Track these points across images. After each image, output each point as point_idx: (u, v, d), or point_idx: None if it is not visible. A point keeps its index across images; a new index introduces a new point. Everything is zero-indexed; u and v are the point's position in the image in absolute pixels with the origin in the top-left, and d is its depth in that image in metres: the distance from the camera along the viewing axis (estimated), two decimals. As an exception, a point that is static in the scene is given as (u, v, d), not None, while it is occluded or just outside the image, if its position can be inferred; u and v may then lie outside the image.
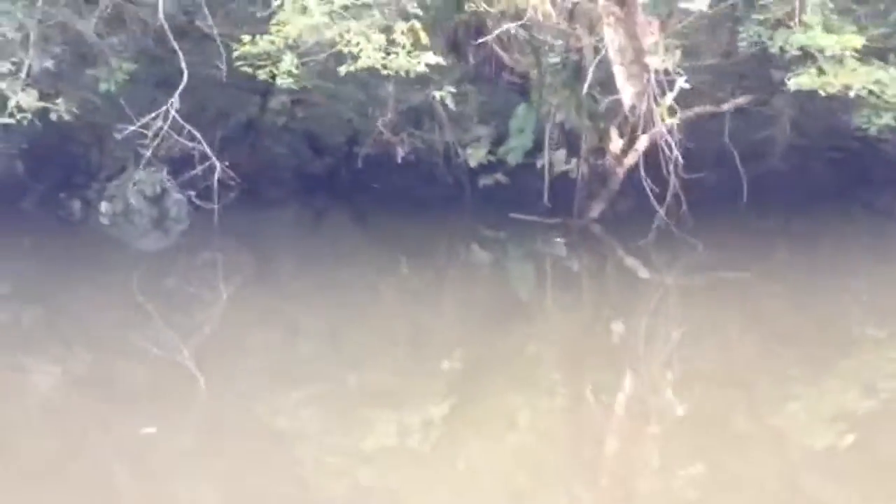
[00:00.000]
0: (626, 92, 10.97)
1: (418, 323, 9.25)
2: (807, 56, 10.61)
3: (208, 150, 11.48)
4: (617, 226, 12.63)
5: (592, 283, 11.93)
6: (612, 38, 10.78)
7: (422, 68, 10.88)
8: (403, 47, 10.72)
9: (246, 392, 6.67)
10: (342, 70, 10.82)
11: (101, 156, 12.74)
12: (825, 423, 6.33)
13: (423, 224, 13.66)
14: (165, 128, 11.12)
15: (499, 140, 13.55)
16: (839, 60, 10.41)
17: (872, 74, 10.42)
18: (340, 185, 14.85)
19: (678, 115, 10.79)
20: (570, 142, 12.90)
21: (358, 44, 10.55)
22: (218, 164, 11.61)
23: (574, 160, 12.34)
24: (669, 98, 10.65)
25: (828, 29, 10.49)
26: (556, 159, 12.76)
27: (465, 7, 12.09)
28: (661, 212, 11.47)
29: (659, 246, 12.04)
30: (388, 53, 10.72)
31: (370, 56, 10.57)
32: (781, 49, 10.66)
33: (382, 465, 5.46)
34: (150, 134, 11.21)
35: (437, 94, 11.69)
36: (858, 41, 10.45)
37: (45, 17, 11.02)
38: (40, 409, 6.59)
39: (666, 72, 10.97)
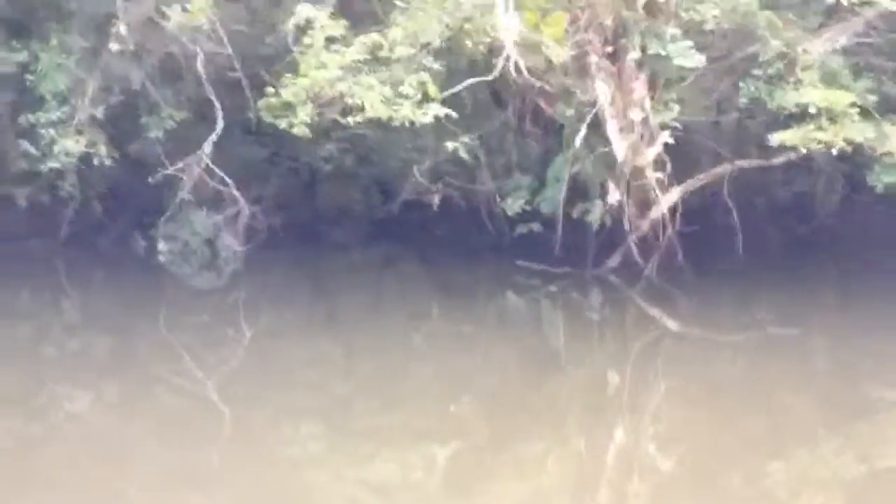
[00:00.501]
0: (619, 145, 11.02)
1: (447, 369, 9.54)
2: (805, 113, 10.31)
3: (237, 194, 12.29)
4: (635, 276, 12.57)
5: (618, 332, 11.99)
6: (605, 92, 10.87)
7: (428, 119, 11.31)
8: (408, 99, 11.18)
9: (283, 428, 7.30)
10: (350, 121, 11.38)
11: (167, 197, 13.80)
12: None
13: (463, 270, 13.99)
14: (199, 171, 12.00)
15: (540, 189, 13.65)
16: (831, 117, 10.06)
17: (864, 131, 9.96)
18: (390, 230, 15.38)
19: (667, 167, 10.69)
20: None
21: (364, 97, 11.10)
22: (247, 209, 12.41)
23: (597, 210, 12.32)
24: (652, 153, 10.64)
25: (828, 84, 10.17)
26: (584, 209, 12.76)
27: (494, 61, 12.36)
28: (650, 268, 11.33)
29: (684, 296, 12.25)
30: (395, 105, 11.22)
31: (373, 108, 11.09)
32: (778, 106, 10.42)
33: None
34: (184, 178, 12.12)
35: (451, 145, 11.99)
36: (847, 98, 10.11)
37: (104, 71, 12.29)
38: (91, 429, 7.51)
39: (663, 126, 10.92)
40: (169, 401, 8.50)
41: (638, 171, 11.22)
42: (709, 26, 10.78)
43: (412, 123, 11.45)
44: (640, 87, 10.91)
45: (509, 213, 13.58)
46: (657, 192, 11.35)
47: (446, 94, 11.66)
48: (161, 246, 13.92)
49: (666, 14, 10.84)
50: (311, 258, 14.80)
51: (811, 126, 10.36)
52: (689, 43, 10.91)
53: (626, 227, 12.31)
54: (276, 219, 14.69)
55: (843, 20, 10.75)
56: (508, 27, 10.44)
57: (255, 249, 14.28)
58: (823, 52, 10.46)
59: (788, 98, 10.54)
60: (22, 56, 11.69)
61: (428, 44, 11.47)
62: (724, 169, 12.81)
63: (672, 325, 11.87)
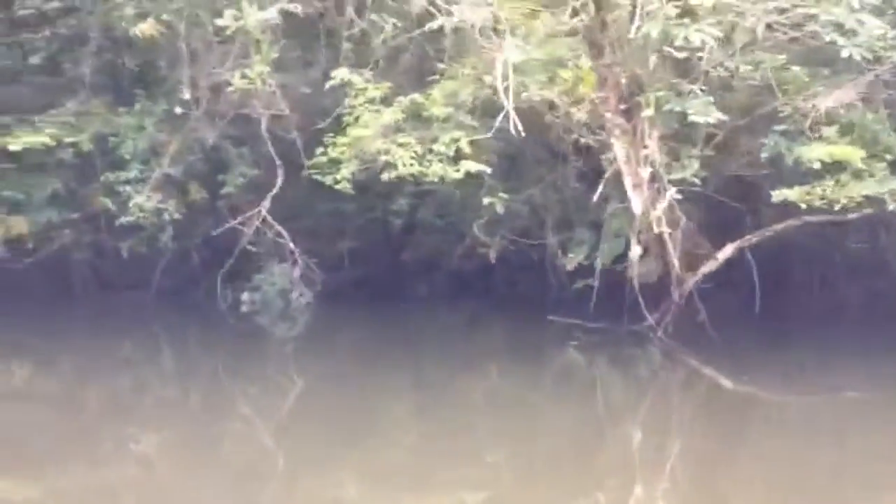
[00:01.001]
0: (635, 200, 11.01)
1: (502, 426, 9.59)
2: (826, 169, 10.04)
3: (292, 245, 13.10)
4: (684, 332, 12.41)
5: (673, 390, 12.03)
6: (619, 148, 10.94)
7: (459, 175, 11.74)
8: (438, 156, 11.68)
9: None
10: (384, 177, 11.99)
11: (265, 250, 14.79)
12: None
13: (523, 324, 14.14)
14: (257, 224, 12.96)
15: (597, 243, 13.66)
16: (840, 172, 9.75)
17: (865, 188, 9.55)
18: (471, 283, 15.73)
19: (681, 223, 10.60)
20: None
21: (396, 154, 11.72)
22: (300, 261, 13.19)
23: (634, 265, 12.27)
24: (660, 209, 10.59)
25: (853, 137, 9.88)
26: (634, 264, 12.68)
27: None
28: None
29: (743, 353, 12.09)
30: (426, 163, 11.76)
31: (405, 165, 11.66)
32: (795, 161, 10.19)
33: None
34: (247, 231, 13.10)
35: (487, 200, 12.33)
36: (856, 154, 9.71)
37: (182, 132, 13.54)
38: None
39: (682, 182, 10.87)
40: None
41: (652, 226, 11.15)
42: (735, 83, 10.67)
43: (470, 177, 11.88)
44: (651, 144, 10.89)
45: (569, 267, 13.65)
46: (670, 248, 11.16)
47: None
48: (244, 297, 14.87)
49: (688, 70, 10.83)
50: (388, 311, 15.38)
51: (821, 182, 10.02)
52: (710, 99, 10.80)
53: (672, 282, 12.15)
54: (354, 271, 15.47)
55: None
56: (506, 89, 10.69)
57: (330, 301, 15.07)
58: (842, 106, 10.08)
59: (803, 153, 10.32)
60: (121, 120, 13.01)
61: (464, 102, 11.90)
62: (793, 222, 12.36)
63: (727, 383, 11.63)
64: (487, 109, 12.10)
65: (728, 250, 12.26)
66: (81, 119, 13.40)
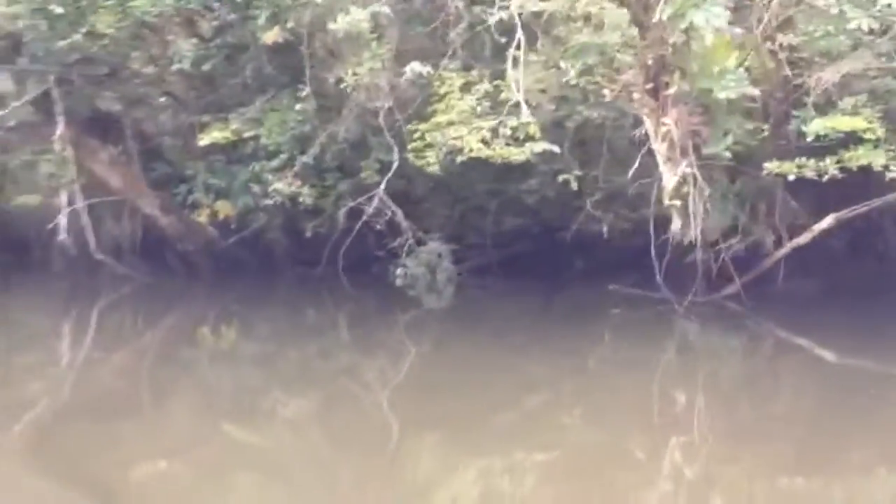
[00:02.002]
0: (666, 175, 11.15)
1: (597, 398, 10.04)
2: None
3: (404, 223, 14.65)
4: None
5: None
6: (649, 125, 11.16)
7: (523, 157, 12.65)
8: (503, 138, 12.69)
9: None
10: (458, 160, 13.15)
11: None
12: None
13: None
14: (373, 205, 14.70)
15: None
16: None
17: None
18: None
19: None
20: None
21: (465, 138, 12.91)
22: (411, 236, 14.69)
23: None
24: (672, 182, 10.69)
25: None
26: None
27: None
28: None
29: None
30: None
31: (472, 148, 12.79)
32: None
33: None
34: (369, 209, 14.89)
35: (561, 178, 13.00)
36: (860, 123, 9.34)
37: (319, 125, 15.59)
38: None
39: (716, 156, 10.98)
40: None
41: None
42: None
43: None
44: (675, 121, 11.02)
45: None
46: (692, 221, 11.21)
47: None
48: (398, 272, 16.65)
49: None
50: (530, 287, 16.36)
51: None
52: (741, 73, 10.71)
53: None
54: (502, 249, 16.65)
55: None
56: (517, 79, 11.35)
57: (479, 276, 16.39)
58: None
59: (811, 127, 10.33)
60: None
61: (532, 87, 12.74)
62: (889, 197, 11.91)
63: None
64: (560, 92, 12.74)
65: (825, 222, 12.09)
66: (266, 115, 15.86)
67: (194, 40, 16.41)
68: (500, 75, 13.31)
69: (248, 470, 7.34)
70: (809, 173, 10.68)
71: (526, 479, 7.16)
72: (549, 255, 16.99)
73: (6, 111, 16.83)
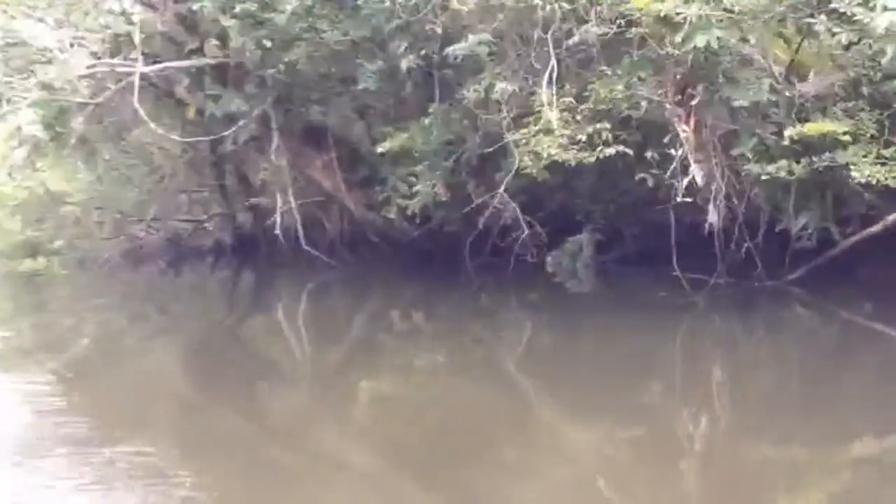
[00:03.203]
0: (698, 174, 12.51)
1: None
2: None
3: (521, 220, 16.84)
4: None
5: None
6: (680, 131, 12.61)
7: (592, 159, 14.57)
8: (578, 144, 14.66)
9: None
10: (541, 165, 15.21)
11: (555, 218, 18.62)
12: None
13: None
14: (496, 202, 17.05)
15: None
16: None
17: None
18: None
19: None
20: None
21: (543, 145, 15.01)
22: (526, 230, 16.85)
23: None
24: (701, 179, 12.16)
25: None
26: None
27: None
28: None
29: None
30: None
31: (550, 154, 14.86)
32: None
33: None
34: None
35: (638, 177, 14.74)
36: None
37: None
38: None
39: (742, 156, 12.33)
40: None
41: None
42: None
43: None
44: (699, 126, 12.29)
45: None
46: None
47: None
48: (548, 259, 18.82)
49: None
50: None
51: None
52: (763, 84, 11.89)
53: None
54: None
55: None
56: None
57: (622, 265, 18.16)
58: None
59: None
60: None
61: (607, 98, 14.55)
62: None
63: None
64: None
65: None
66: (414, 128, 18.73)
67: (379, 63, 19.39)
68: (584, 88, 15.08)
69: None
70: (782, 174, 11.65)
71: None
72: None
73: (237, 127, 20.96)
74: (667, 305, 15.15)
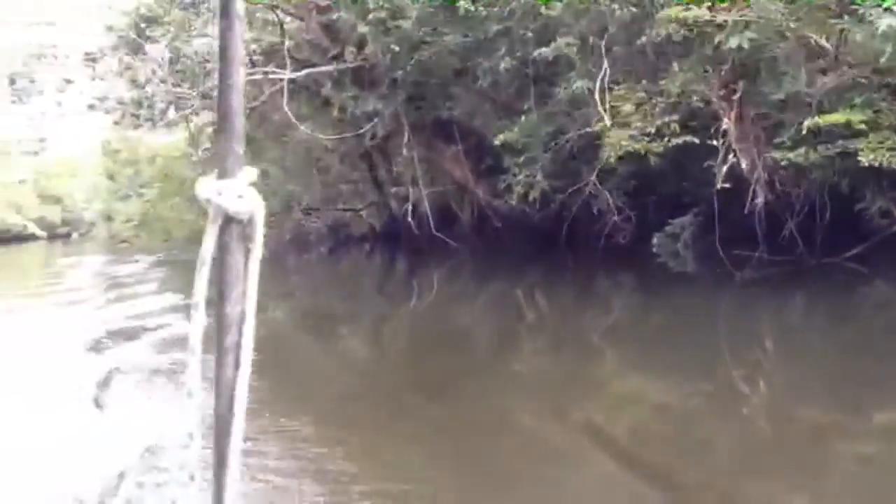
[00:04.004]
0: (744, 161, 13.89)
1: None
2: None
3: (612, 205, 18.46)
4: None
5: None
6: (726, 121, 13.99)
7: (660, 150, 16.13)
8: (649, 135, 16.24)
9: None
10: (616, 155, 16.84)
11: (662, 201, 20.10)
12: None
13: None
14: (587, 192, 18.76)
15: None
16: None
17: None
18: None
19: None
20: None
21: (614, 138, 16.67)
22: (617, 216, 18.41)
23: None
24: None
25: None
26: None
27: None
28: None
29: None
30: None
31: (620, 147, 16.51)
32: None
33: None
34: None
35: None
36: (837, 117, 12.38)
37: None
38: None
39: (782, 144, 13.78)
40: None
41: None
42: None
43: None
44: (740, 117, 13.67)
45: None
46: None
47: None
48: (654, 240, 20.30)
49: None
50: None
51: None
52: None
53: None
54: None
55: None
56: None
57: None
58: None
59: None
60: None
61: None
62: None
63: None
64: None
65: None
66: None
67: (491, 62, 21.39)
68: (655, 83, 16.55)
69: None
70: (800, 160, 13.04)
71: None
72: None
73: (373, 124, 23.51)
74: (754, 282, 16.25)
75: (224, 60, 1.58)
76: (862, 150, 12.45)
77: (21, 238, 55.49)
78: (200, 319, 1.56)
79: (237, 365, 1.55)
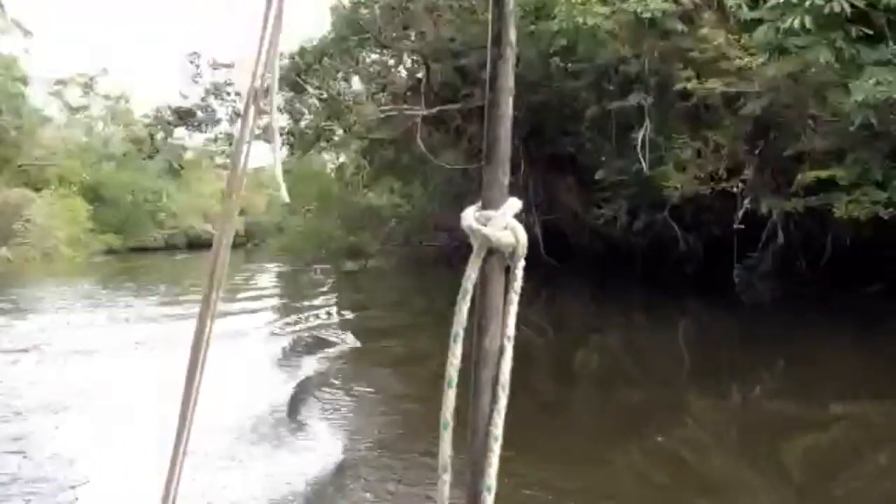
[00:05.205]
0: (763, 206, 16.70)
1: None
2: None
3: (680, 237, 21.39)
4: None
5: None
6: (747, 172, 16.82)
7: (709, 191, 19.13)
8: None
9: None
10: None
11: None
12: None
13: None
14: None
15: None
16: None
17: None
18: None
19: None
20: None
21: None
22: (684, 246, 21.34)
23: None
24: None
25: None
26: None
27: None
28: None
29: None
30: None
31: (677, 187, 19.58)
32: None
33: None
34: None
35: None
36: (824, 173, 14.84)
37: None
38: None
39: None
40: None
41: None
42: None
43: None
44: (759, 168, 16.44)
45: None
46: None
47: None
48: (736, 271, 22.97)
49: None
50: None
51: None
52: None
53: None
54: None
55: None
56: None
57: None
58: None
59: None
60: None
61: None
62: None
63: None
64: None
65: None
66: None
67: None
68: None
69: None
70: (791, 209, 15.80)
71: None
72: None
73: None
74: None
75: (494, 90, 1.57)
76: (836, 203, 15.02)
77: (211, 245, 62.47)
78: (458, 351, 1.56)
79: (494, 400, 1.54)
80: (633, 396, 11.92)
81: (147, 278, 38.90)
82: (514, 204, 1.63)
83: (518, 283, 1.59)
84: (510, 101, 1.57)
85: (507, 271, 1.59)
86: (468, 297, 1.56)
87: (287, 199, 1.93)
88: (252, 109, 1.81)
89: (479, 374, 1.55)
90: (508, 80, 1.56)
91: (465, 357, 1.59)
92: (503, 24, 1.55)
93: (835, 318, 17.55)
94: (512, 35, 1.56)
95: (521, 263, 1.60)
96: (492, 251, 1.58)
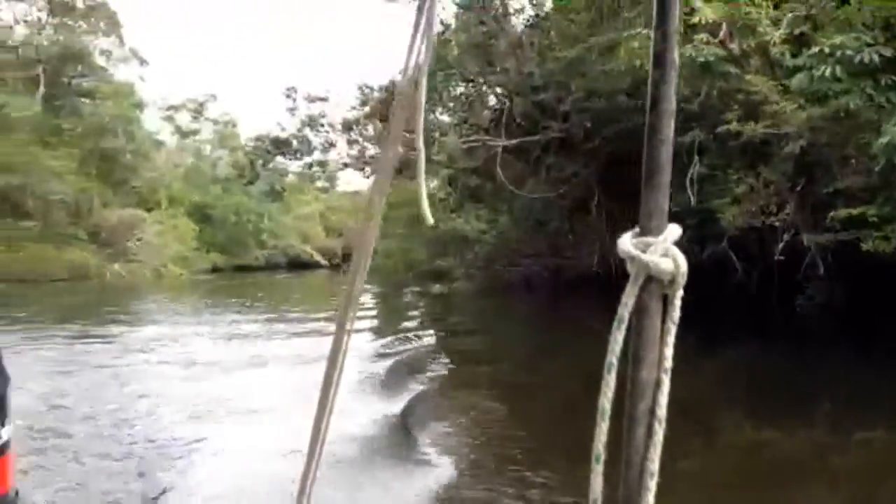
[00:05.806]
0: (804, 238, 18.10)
1: None
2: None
3: (737, 264, 22.80)
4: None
5: None
6: (789, 207, 18.24)
7: (759, 224, 20.62)
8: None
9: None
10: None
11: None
12: None
13: None
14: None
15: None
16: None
17: None
18: None
19: None
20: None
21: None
22: (741, 271, 22.73)
23: None
24: None
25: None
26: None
27: None
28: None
29: None
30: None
31: (730, 220, 21.09)
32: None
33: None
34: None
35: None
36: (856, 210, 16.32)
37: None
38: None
39: None
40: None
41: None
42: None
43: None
44: (800, 203, 17.83)
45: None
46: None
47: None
48: (798, 300, 24.20)
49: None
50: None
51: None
52: None
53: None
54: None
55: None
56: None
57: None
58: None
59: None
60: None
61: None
62: None
63: None
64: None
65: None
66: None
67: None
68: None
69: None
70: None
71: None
72: None
73: (568, 186, 28.88)
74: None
75: (655, 113, 1.53)
76: (862, 238, 16.31)
77: (309, 265, 66.10)
78: (612, 382, 1.52)
79: (650, 434, 1.50)
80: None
81: (252, 295, 41.62)
82: (675, 230, 1.58)
83: (676, 313, 1.54)
84: (671, 123, 1.54)
85: (665, 300, 1.54)
86: (623, 327, 1.51)
87: (431, 221, 1.97)
88: (394, 136, 1.91)
89: (635, 406, 1.51)
90: (671, 103, 1.53)
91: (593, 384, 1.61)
92: (667, 45, 1.52)
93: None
94: (675, 56, 1.53)
95: (680, 293, 1.54)
96: (650, 279, 1.53)
